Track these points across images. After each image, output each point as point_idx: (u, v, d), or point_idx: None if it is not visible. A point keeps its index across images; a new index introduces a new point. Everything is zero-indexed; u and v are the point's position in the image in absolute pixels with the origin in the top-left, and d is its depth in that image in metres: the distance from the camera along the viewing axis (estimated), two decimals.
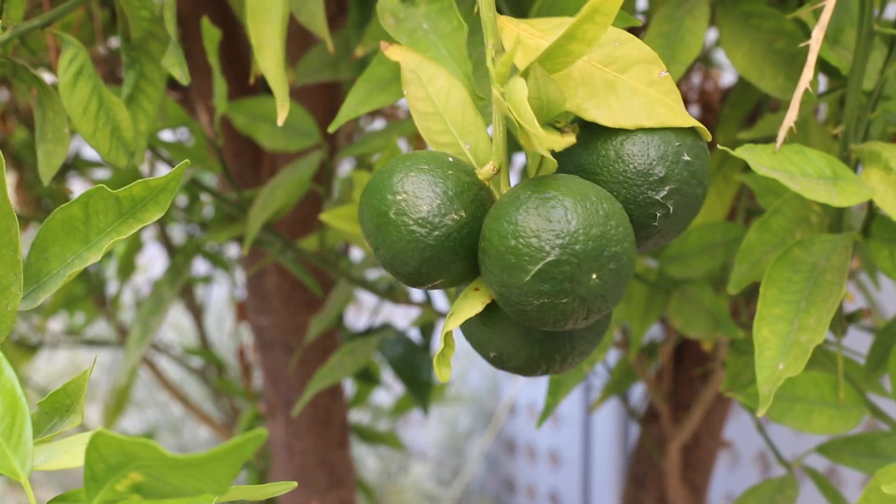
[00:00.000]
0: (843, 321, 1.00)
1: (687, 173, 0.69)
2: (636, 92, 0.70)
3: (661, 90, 0.71)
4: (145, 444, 0.47)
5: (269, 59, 0.86)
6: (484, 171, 0.71)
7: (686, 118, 0.70)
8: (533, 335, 0.73)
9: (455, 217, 0.68)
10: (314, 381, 1.34)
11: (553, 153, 0.71)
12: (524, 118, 0.64)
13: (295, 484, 0.64)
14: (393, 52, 0.75)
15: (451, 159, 0.71)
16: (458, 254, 0.69)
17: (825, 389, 0.98)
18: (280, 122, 0.85)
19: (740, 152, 0.76)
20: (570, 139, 0.64)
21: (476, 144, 0.74)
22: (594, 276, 0.64)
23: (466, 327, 0.76)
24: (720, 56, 1.85)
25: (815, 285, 0.84)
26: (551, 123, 0.70)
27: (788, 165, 0.77)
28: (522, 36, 0.71)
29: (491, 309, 0.72)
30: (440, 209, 0.68)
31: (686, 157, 0.69)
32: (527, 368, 0.75)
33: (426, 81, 0.75)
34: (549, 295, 0.64)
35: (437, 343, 0.73)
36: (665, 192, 0.69)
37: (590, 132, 0.71)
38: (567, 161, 0.72)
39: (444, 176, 0.69)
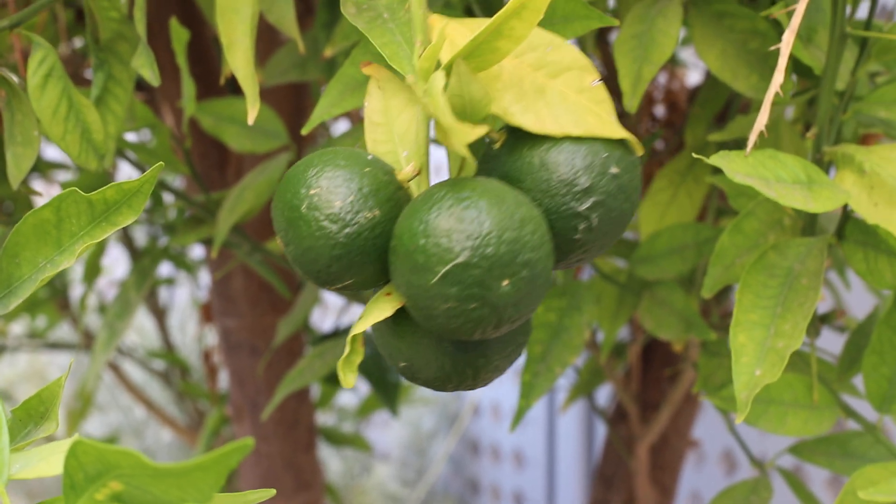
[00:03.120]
0: (816, 322, 1.00)
1: (614, 186, 0.66)
2: (566, 99, 0.68)
3: (592, 99, 0.68)
4: (127, 452, 0.46)
5: (238, 58, 0.85)
6: (404, 173, 0.69)
7: (616, 129, 0.67)
8: (445, 347, 0.69)
9: (368, 215, 0.65)
10: (283, 384, 1.33)
11: (478, 159, 0.70)
12: (439, 110, 0.61)
13: (273, 491, 0.63)
14: (369, 69, 0.74)
15: (369, 157, 0.68)
16: (370, 255, 0.66)
17: (799, 391, 0.98)
18: (250, 121, 0.84)
19: (715, 159, 0.75)
20: (481, 130, 0.61)
21: (412, 153, 0.72)
22: (505, 283, 0.61)
23: (378, 336, 0.73)
24: (686, 55, 1.86)
25: (791, 290, 0.84)
26: None
27: (763, 171, 0.77)
28: (450, 33, 0.69)
29: (402, 317, 0.69)
30: (353, 206, 0.65)
31: (613, 170, 0.66)
32: (437, 381, 0.71)
33: (389, 96, 0.73)
34: (456, 299, 0.61)
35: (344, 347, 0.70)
36: (589, 204, 0.66)
37: (516, 138, 0.68)
38: (491, 168, 0.69)
39: (361, 173, 0.66)
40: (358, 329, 0.67)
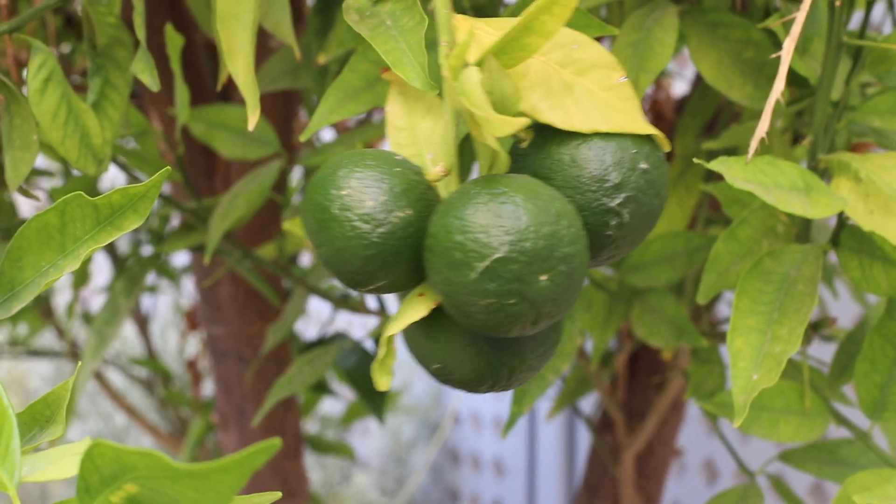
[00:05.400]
0: (808, 330, 1.01)
1: (644, 182, 0.67)
2: (593, 96, 0.68)
3: (619, 96, 0.69)
4: (145, 453, 0.46)
5: (239, 64, 0.85)
6: (433, 173, 0.69)
7: (644, 125, 0.68)
8: (479, 346, 0.69)
9: (401, 215, 0.65)
10: (273, 391, 1.33)
11: (508, 156, 0.70)
12: (475, 103, 0.62)
13: (279, 494, 0.63)
14: (390, 75, 0.74)
15: (398, 157, 0.69)
16: (403, 254, 0.66)
17: (791, 398, 0.99)
18: (251, 126, 0.84)
19: (715, 165, 0.76)
20: (524, 121, 0.61)
21: (438, 155, 0.72)
22: (544, 278, 0.61)
23: (409, 338, 0.72)
24: (670, 65, 1.86)
25: (787, 296, 0.84)
26: None
27: (762, 177, 0.77)
28: (476, 32, 0.69)
29: (435, 318, 0.69)
30: (385, 205, 0.65)
31: (643, 165, 0.67)
32: (472, 382, 0.70)
33: (411, 100, 0.74)
34: (495, 295, 0.61)
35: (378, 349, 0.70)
36: (620, 200, 0.66)
37: (544, 136, 0.69)
38: (520, 166, 0.70)
39: (391, 173, 0.66)
40: (392, 330, 0.67)
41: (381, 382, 0.68)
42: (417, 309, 0.68)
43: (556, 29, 0.64)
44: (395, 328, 0.67)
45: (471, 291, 0.62)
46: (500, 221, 0.61)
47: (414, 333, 0.72)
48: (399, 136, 0.73)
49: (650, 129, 0.68)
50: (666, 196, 0.70)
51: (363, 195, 0.65)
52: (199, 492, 0.46)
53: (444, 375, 0.71)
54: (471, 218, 0.62)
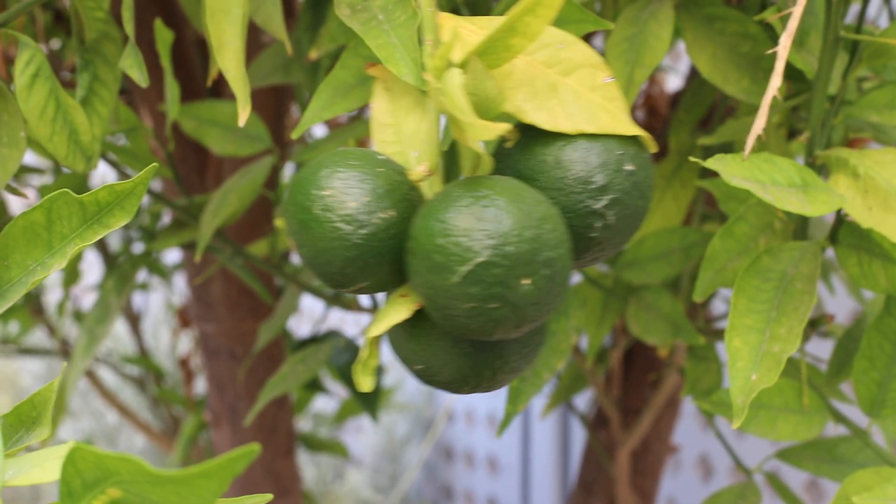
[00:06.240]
0: (806, 327, 1.00)
1: (629, 184, 0.66)
2: (579, 96, 0.67)
3: (605, 96, 0.68)
4: (126, 458, 0.45)
5: (229, 59, 0.84)
6: (416, 173, 0.68)
7: (630, 126, 0.67)
8: (462, 348, 0.68)
9: (383, 216, 0.64)
10: (266, 389, 1.32)
11: (491, 158, 0.70)
12: (458, 106, 0.61)
13: (270, 496, 0.62)
14: (375, 70, 0.73)
15: (381, 157, 0.68)
16: (385, 255, 0.65)
17: (789, 396, 0.98)
18: (241, 122, 0.83)
19: (711, 163, 0.75)
20: (505, 126, 0.60)
21: (422, 154, 0.71)
22: (526, 282, 0.60)
23: (393, 338, 0.71)
24: (664, 60, 1.85)
25: (786, 294, 0.83)
26: None
27: (759, 175, 0.76)
28: (461, 31, 0.68)
29: (418, 318, 0.68)
30: (368, 206, 0.64)
31: (628, 167, 0.66)
32: (454, 383, 0.70)
33: (396, 97, 0.72)
34: (477, 299, 0.60)
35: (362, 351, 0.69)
36: (605, 202, 0.65)
37: (529, 137, 0.68)
38: (504, 167, 0.68)
39: (374, 173, 0.65)
40: (375, 332, 0.66)
41: (364, 384, 0.68)
42: (400, 311, 0.67)
43: (541, 30, 0.63)
44: (378, 330, 0.67)
45: (452, 295, 0.61)
46: (482, 225, 0.60)
47: (397, 335, 0.71)
48: (384, 134, 0.72)
49: (636, 130, 0.67)
50: (651, 198, 0.69)
51: (345, 196, 0.65)
52: (182, 496, 0.46)
53: (427, 376, 0.70)
54: (453, 221, 0.61)
